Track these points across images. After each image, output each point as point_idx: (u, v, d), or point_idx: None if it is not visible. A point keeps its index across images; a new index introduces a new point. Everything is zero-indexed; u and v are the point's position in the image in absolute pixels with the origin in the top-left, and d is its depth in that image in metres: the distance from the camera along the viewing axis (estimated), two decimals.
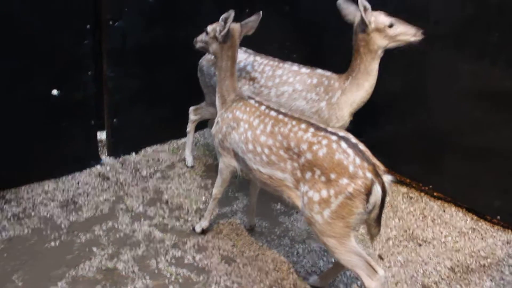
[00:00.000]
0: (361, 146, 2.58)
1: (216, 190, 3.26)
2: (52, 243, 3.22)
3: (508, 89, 3.49)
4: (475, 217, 3.80)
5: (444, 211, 3.89)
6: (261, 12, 3.11)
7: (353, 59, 3.26)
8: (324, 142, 2.58)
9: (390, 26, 3.14)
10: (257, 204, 3.47)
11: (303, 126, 2.70)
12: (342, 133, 2.63)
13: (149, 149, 4.39)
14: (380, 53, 3.22)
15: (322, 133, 2.63)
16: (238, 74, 3.44)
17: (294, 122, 2.74)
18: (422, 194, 4.07)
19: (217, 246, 3.32)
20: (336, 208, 2.51)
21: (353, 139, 2.60)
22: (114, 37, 3.91)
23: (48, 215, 3.46)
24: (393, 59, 3.99)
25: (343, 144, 2.55)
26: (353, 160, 2.50)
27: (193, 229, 3.43)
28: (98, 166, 4.05)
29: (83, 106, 3.86)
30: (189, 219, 3.58)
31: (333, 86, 3.33)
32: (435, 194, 4.02)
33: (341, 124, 3.36)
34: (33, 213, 3.46)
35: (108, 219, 3.49)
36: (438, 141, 3.90)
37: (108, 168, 4.05)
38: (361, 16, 3.08)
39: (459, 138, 3.79)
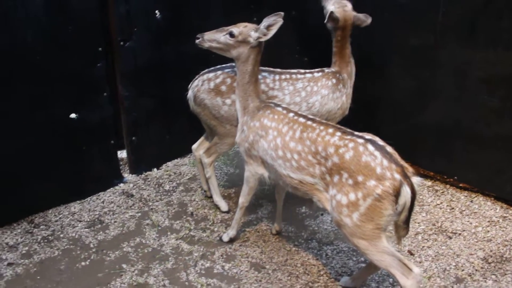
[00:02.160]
0: (389, 148, 2.57)
1: (243, 199, 3.26)
2: (83, 263, 3.25)
3: None
4: (504, 205, 3.73)
5: (472, 201, 3.82)
6: (282, 13, 3.02)
7: (344, 47, 3.48)
8: (351, 145, 2.58)
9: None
10: (283, 209, 3.46)
11: (330, 130, 2.71)
12: (369, 136, 2.62)
13: (170, 164, 4.43)
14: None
15: (349, 137, 2.63)
16: None
17: (322, 127, 2.75)
18: (448, 186, 4.02)
19: (245, 254, 3.32)
20: (365, 211, 2.50)
21: (380, 142, 2.60)
22: (126, 57, 3.97)
23: (77, 236, 3.50)
24: (404, 53, 4.01)
25: (370, 147, 2.54)
26: (381, 162, 2.48)
27: (221, 239, 3.43)
28: (122, 184, 4.09)
29: (102, 127, 3.92)
30: (215, 229, 3.58)
31: (344, 78, 3.52)
32: (460, 185, 3.96)
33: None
34: (62, 235, 3.50)
35: (135, 236, 3.51)
36: (459, 132, 3.86)
37: (131, 185, 4.10)
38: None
39: (479, 127, 3.74)
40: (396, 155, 2.55)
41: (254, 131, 3.02)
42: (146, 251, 3.37)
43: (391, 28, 4.01)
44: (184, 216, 3.73)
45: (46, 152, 3.66)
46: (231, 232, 3.40)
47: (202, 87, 3.44)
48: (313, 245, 3.42)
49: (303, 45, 4.73)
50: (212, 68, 3.52)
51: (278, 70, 3.52)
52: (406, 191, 2.44)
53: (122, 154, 4.30)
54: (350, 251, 3.34)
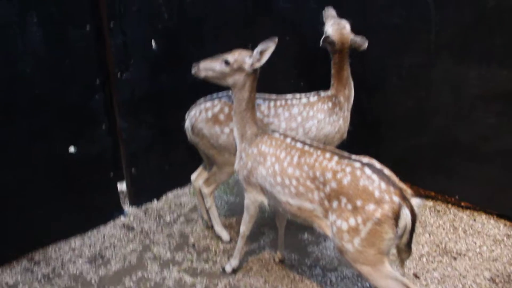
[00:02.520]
0: (386, 171, 2.55)
1: (244, 227, 3.23)
2: None
3: None
4: (508, 223, 3.71)
5: (475, 220, 3.80)
6: (276, 38, 3.00)
7: (342, 69, 3.45)
8: (348, 169, 2.56)
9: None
10: (285, 236, 3.43)
11: (327, 155, 2.70)
12: (366, 159, 2.61)
13: (170, 194, 4.40)
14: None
15: (346, 161, 2.61)
16: None
17: (319, 152, 2.74)
18: (449, 205, 3.99)
19: (249, 284, 3.27)
20: (366, 236, 2.48)
21: (378, 165, 2.58)
22: (123, 89, 3.98)
23: (78, 272, 3.46)
24: (400, 73, 4.04)
25: (367, 171, 2.53)
26: (379, 185, 2.47)
27: (224, 269, 3.39)
28: (122, 217, 4.06)
29: (101, 159, 3.91)
30: (218, 260, 3.54)
31: (341, 101, 3.49)
32: (462, 204, 3.95)
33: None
34: (62, 272, 3.46)
35: (137, 269, 3.47)
36: (458, 150, 3.86)
37: (131, 218, 4.06)
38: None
39: (478, 145, 3.75)
40: (394, 177, 2.54)
41: (252, 158, 3.01)
42: (148, 285, 3.32)
43: (386, 49, 4.04)
44: (186, 248, 3.69)
45: (44, 186, 3.64)
46: (234, 262, 3.36)
47: (199, 116, 3.43)
48: (317, 272, 3.38)
49: (298, 69, 4.76)
50: (209, 96, 3.51)
51: (273, 96, 3.51)
52: (405, 214, 2.42)
53: (122, 186, 4.28)
54: (355, 277, 3.30)
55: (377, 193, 2.45)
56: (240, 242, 3.30)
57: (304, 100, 3.49)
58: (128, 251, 3.66)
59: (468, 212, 3.89)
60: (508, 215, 3.73)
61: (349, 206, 2.51)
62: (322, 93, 3.54)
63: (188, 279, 3.35)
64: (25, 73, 3.41)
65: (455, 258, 3.42)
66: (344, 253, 2.59)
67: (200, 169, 3.81)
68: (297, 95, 3.54)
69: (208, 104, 3.45)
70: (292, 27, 4.66)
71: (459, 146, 3.85)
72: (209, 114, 3.41)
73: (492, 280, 3.19)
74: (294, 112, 3.43)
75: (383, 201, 2.43)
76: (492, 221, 3.75)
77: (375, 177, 2.50)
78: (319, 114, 3.44)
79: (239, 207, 4.12)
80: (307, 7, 4.45)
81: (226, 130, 3.39)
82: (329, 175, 2.61)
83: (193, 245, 3.72)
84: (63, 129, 3.68)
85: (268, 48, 2.95)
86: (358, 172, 2.53)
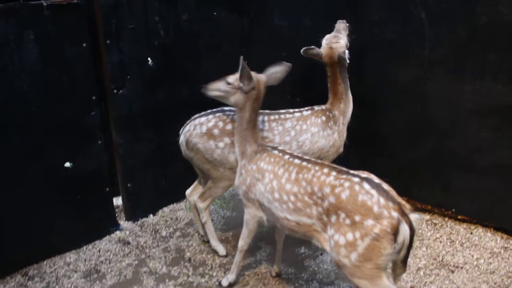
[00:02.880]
0: (385, 186, 2.54)
1: (243, 242, 3.21)
2: None
3: None
4: (505, 236, 3.70)
5: (472, 233, 3.79)
6: (290, 64, 3.07)
7: (336, 83, 3.49)
8: (347, 184, 2.55)
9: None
10: (282, 251, 3.42)
11: (325, 170, 2.70)
12: (365, 174, 2.60)
13: (166, 209, 4.39)
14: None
15: (344, 176, 2.60)
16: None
17: (317, 167, 2.74)
18: (446, 219, 3.99)
19: None
20: (363, 251, 2.46)
21: (376, 179, 2.57)
22: (119, 104, 4.00)
23: (73, 287, 3.43)
24: (395, 89, 4.07)
25: (366, 185, 2.51)
26: (377, 200, 2.45)
27: (220, 284, 3.37)
28: (118, 232, 4.04)
29: (97, 175, 3.91)
30: (214, 274, 3.52)
31: (336, 116, 3.52)
32: (459, 217, 3.94)
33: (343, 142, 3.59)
34: (57, 287, 3.43)
35: (132, 284, 3.44)
36: (454, 164, 3.87)
37: (127, 232, 4.05)
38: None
39: (473, 159, 3.76)
40: (392, 192, 2.53)
41: (251, 175, 3.02)
42: None
43: (381, 64, 4.08)
44: (182, 262, 3.67)
45: (40, 201, 3.63)
46: (231, 277, 3.34)
47: (194, 131, 3.46)
48: (313, 286, 3.36)
49: (294, 85, 4.79)
50: (203, 112, 3.55)
51: (267, 111, 3.53)
52: (404, 229, 2.41)
53: (118, 201, 4.28)
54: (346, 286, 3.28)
55: (376, 208, 2.44)
56: (238, 257, 3.28)
57: (297, 114, 3.53)
58: (124, 266, 3.64)
59: (465, 225, 3.89)
60: (505, 228, 3.72)
61: (348, 221, 2.49)
62: (316, 107, 3.57)
63: None
64: (21, 90, 3.44)
65: (452, 271, 3.40)
66: (341, 267, 2.57)
67: (195, 184, 3.82)
68: (291, 110, 3.58)
69: (203, 119, 3.49)
70: (287, 43, 4.70)
71: (455, 159, 3.87)
72: (204, 128, 3.44)
73: None
74: (287, 126, 3.46)
75: (382, 217, 2.42)
76: (489, 234, 3.75)
77: (374, 192, 2.48)
78: (312, 127, 3.47)
79: (235, 222, 4.12)
80: (303, 24, 4.51)
81: (221, 144, 3.41)
82: (327, 189, 2.60)
83: (189, 260, 3.70)
84: (59, 145, 3.69)
85: (277, 71, 3.10)
86: (357, 187, 2.52)
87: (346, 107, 3.54)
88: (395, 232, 2.41)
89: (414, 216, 2.47)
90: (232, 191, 4.73)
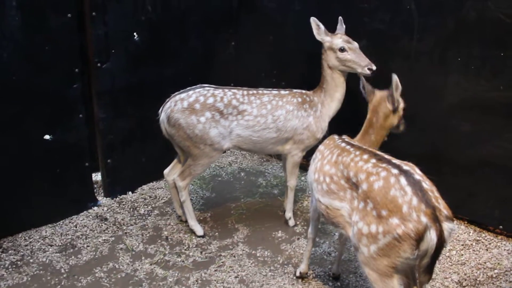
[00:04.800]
0: (425, 184, 2.34)
1: (309, 230, 3.19)
2: None
3: (494, 100, 3.53)
4: (477, 229, 3.78)
5: None
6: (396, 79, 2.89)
7: (322, 73, 3.60)
8: (383, 174, 2.40)
9: (341, 50, 3.47)
10: (258, 233, 3.43)
11: (365, 156, 2.58)
12: (407, 167, 2.43)
13: (145, 187, 4.38)
14: (340, 70, 3.53)
15: (384, 165, 2.45)
16: (225, 112, 3.50)
17: (358, 152, 2.63)
18: None
19: (220, 279, 3.27)
20: (383, 246, 2.33)
21: (417, 175, 2.38)
22: (102, 79, 3.95)
23: (47, 261, 3.40)
24: (376, 80, 4.08)
25: (403, 180, 2.33)
26: (410, 200, 2.27)
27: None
28: (95, 208, 4.02)
29: (77, 149, 3.86)
30: (191, 254, 3.53)
31: (314, 101, 3.65)
32: None
33: (323, 135, 3.66)
34: (31, 260, 3.40)
35: (108, 260, 3.43)
36: (432, 156, 3.90)
37: (105, 209, 4.02)
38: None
39: (452, 152, 3.81)
40: (432, 193, 2.33)
41: (312, 157, 2.99)
42: (119, 276, 3.29)
43: (367, 53, 4.07)
44: (159, 241, 3.67)
45: (18, 173, 3.58)
46: (302, 267, 3.28)
47: (175, 107, 3.48)
48: (289, 270, 3.39)
49: (280, 69, 4.78)
50: (182, 90, 3.59)
51: (243, 87, 3.69)
52: (430, 238, 2.22)
53: (97, 176, 4.24)
54: (326, 276, 3.33)
55: (405, 208, 2.26)
56: (307, 245, 3.25)
57: (275, 91, 3.71)
58: (100, 242, 3.63)
59: None
60: (478, 221, 3.80)
61: (374, 213, 2.36)
62: (295, 90, 3.73)
63: (159, 271, 3.34)
64: (2, 58, 3.35)
65: None
66: (358, 253, 2.48)
67: (173, 163, 3.82)
68: (270, 89, 3.74)
69: (183, 95, 3.54)
70: (275, 27, 4.68)
71: (433, 152, 3.90)
72: (185, 104, 3.47)
73: (460, 283, 3.24)
74: (264, 100, 3.61)
75: (409, 219, 2.24)
76: (462, 227, 3.82)
77: (408, 189, 2.30)
78: (287, 105, 3.62)
79: (213, 202, 4.13)
80: (292, 8, 4.48)
81: (202, 119, 3.45)
82: (362, 176, 2.48)
83: (166, 238, 3.70)
84: (39, 116, 3.63)
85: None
86: (392, 180, 2.35)
87: (327, 99, 3.63)
88: (419, 238, 2.23)
89: (448, 225, 2.26)
90: (212, 172, 4.73)
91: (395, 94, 2.89)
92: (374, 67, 3.43)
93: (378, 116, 2.95)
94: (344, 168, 2.62)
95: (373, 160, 2.52)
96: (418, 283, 2.46)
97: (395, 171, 2.39)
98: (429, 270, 2.34)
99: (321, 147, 2.95)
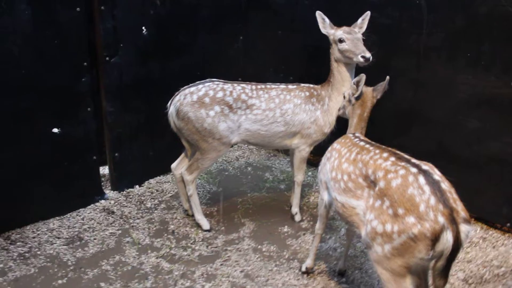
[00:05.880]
0: (444, 185, 2.30)
1: (317, 225, 3.19)
2: (60, 281, 3.18)
3: (503, 97, 3.50)
4: (484, 226, 3.75)
5: None
6: (388, 77, 3.03)
7: (330, 67, 3.62)
8: (401, 172, 2.37)
9: (340, 41, 3.46)
10: (264, 228, 3.44)
11: (385, 154, 2.55)
12: (427, 166, 2.40)
13: (152, 181, 4.40)
14: (344, 63, 3.52)
15: (403, 163, 2.42)
16: (234, 106, 3.50)
17: (377, 151, 2.61)
18: None
19: (226, 274, 3.28)
20: (398, 246, 2.29)
21: (436, 175, 2.34)
22: (111, 72, 3.97)
23: (54, 253, 3.44)
24: (389, 75, 4.05)
25: (421, 179, 2.30)
26: (427, 199, 2.23)
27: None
28: (103, 201, 4.05)
29: (85, 143, 3.89)
30: (197, 248, 3.55)
31: (321, 95, 3.67)
32: None
33: (331, 129, 3.69)
34: (39, 252, 3.43)
35: (115, 253, 3.46)
36: (439, 152, 3.88)
37: (112, 202, 4.05)
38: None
39: (459, 148, 3.78)
40: (451, 194, 2.28)
41: (325, 155, 2.99)
42: (125, 269, 3.31)
43: (376, 49, 4.05)
44: (165, 234, 3.69)
45: (26, 166, 3.61)
46: (308, 262, 3.29)
47: (184, 100, 3.49)
48: (294, 265, 3.40)
49: (289, 64, 4.78)
50: (192, 84, 3.59)
51: (250, 82, 3.70)
52: (446, 239, 2.17)
53: (104, 170, 4.27)
54: (331, 272, 3.33)
55: (422, 207, 2.22)
56: (314, 241, 3.25)
57: (282, 86, 3.72)
58: (107, 235, 3.65)
59: None
60: (485, 218, 3.78)
61: (390, 211, 2.32)
62: (303, 84, 3.74)
63: (165, 265, 3.35)
64: (11, 52, 3.38)
65: None
66: (371, 251, 2.45)
67: (181, 157, 3.83)
68: (277, 83, 3.75)
69: (193, 88, 3.54)
70: (284, 22, 4.67)
71: (441, 148, 3.88)
72: (194, 97, 3.48)
73: (465, 280, 3.23)
74: (272, 94, 3.63)
75: (426, 218, 2.20)
76: None
77: (427, 188, 2.26)
78: (295, 99, 3.63)
79: (220, 197, 4.14)
80: (301, 3, 4.46)
81: (211, 113, 3.45)
82: (380, 173, 2.45)
83: (173, 232, 3.72)
84: (48, 109, 3.65)
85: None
86: (411, 178, 2.32)
87: (335, 93, 3.61)
88: (435, 239, 2.19)
89: (465, 227, 2.20)
90: (219, 166, 4.74)
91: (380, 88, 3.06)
92: (367, 55, 3.36)
93: (366, 106, 3.07)
94: (363, 166, 2.59)
95: (392, 159, 2.49)
96: (434, 287, 2.36)
97: (414, 170, 2.36)
98: (444, 273, 2.28)
99: (337, 145, 2.92)
